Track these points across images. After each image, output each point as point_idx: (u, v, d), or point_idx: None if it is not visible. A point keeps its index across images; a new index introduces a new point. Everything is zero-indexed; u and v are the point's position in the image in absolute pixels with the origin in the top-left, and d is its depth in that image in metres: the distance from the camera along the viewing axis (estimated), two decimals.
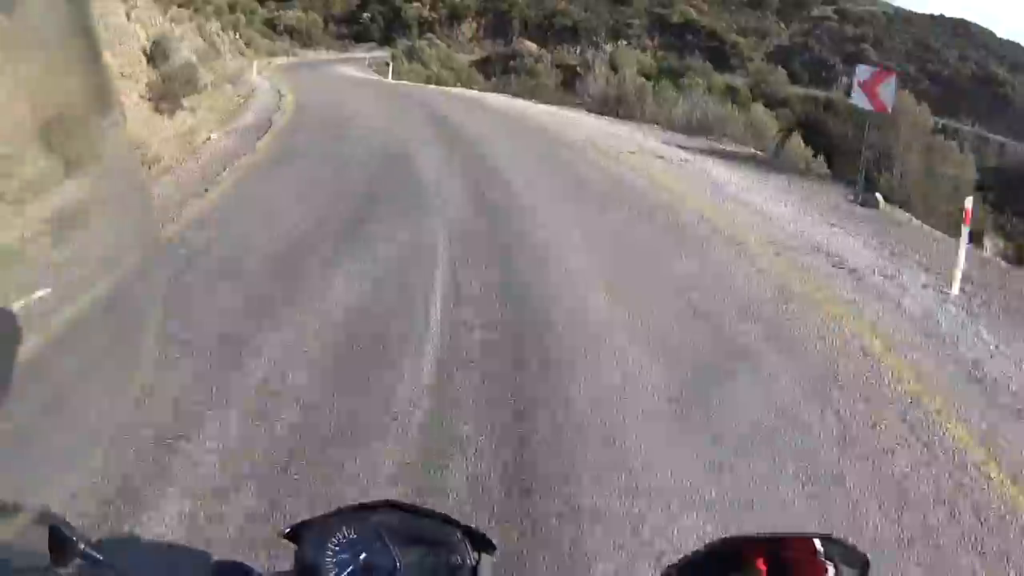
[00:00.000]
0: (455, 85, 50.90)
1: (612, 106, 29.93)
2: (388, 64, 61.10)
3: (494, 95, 36.49)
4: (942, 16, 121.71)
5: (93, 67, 0.66)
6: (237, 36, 69.08)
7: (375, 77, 49.50)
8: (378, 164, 16.16)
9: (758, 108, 27.23)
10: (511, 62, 75.84)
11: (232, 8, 78.42)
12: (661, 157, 20.22)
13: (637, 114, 28.54)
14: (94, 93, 0.66)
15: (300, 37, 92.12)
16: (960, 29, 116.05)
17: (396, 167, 15.89)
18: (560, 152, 20.48)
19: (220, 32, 60.00)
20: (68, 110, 0.61)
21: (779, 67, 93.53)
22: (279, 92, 28.87)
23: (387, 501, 1.50)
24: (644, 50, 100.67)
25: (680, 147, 22.22)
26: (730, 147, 23.24)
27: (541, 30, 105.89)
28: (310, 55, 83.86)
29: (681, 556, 1.43)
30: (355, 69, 58.47)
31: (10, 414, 0.58)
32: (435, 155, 17.94)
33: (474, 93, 36.69)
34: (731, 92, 66.75)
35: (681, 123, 26.63)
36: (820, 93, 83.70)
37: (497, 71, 75.61)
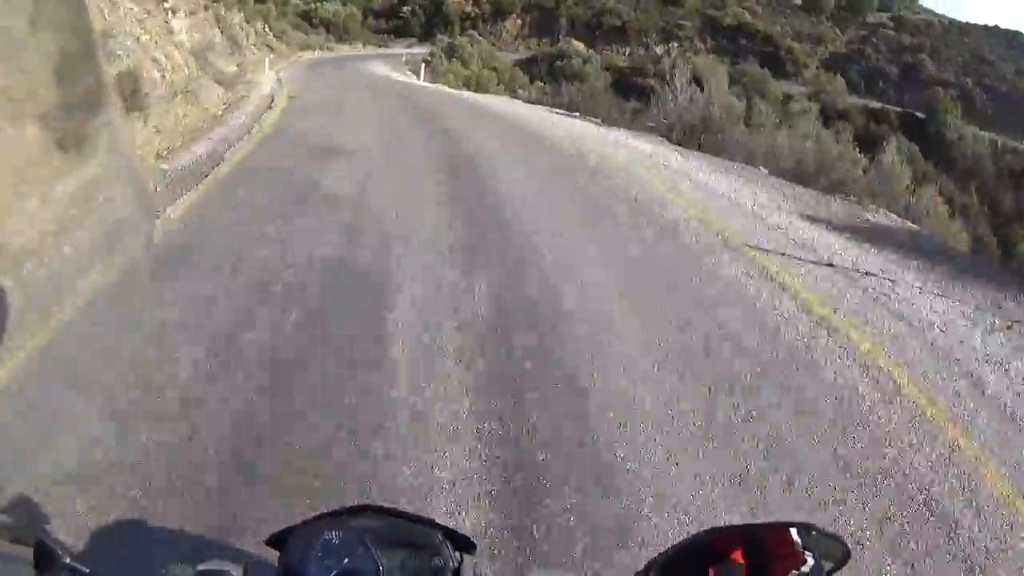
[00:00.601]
0: (496, 87, 45.35)
1: (693, 133, 21.92)
2: (425, 63, 55.75)
3: (544, 111, 28.00)
4: (996, 27, 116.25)
5: (86, 66, 0.50)
6: (266, 28, 64.38)
7: (407, 78, 44.63)
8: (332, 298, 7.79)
9: (890, 152, 20.20)
10: (557, 62, 69.91)
11: None
12: (857, 273, 10.46)
13: (728, 147, 20.73)
14: (87, 92, 0.50)
15: (337, 31, 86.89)
16: (1015, 41, 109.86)
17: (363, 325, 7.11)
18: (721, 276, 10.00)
19: (244, 24, 54.91)
20: (62, 108, 0.50)
21: (837, 75, 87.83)
22: (271, 101, 23.47)
23: (368, 505, 1.47)
24: (696, 53, 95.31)
25: (823, 223, 13.34)
26: (880, 218, 14.50)
27: (589, 29, 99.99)
28: (344, 50, 79.07)
29: (660, 552, 1.44)
30: (388, 67, 53.37)
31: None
32: (452, 284, 8.45)
33: (519, 111, 26.46)
34: (787, 101, 62.42)
35: (785, 161, 19.07)
36: (894, 108, 79.01)
37: (542, 71, 69.93)
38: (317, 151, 15.10)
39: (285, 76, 36.44)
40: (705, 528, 1.45)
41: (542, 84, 60.42)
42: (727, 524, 1.72)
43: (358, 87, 31.88)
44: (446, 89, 36.86)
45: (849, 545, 1.35)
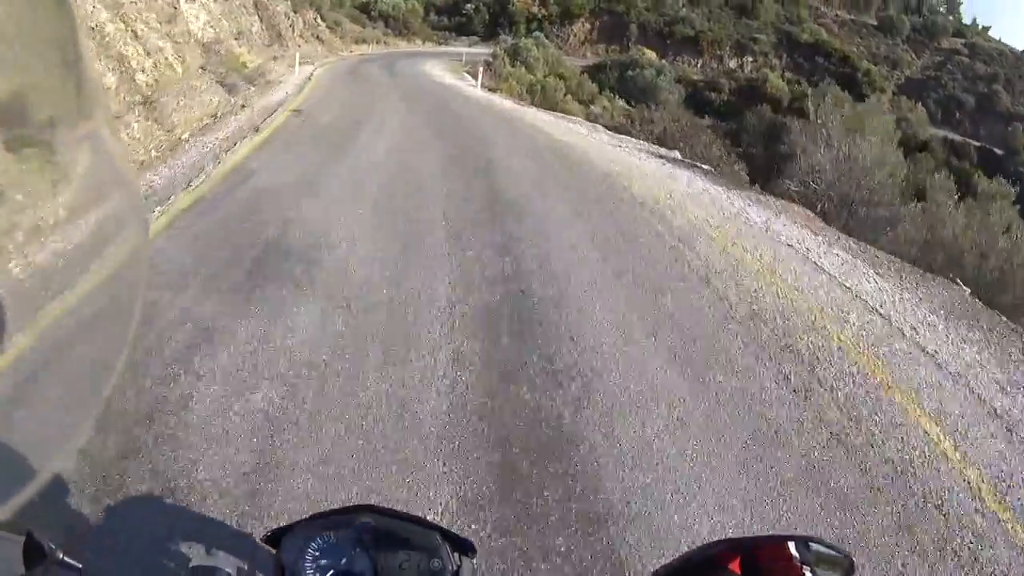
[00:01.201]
0: (564, 97, 39.73)
1: (840, 208, 15.24)
2: (485, 65, 50.37)
3: (635, 149, 20.15)
4: None
5: (77, 69, 0.69)
6: (317, 18, 59.46)
7: (462, 82, 39.43)
8: None
9: None
10: (629, 72, 64.15)
11: None
12: None
13: (899, 239, 14.10)
14: (78, 95, 0.69)
15: (396, 25, 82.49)
16: None
17: None
18: None
19: (291, 12, 49.85)
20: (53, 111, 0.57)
21: (917, 104, 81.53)
22: (267, 118, 17.54)
23: (366, 505, 1.47)
24: (772, 69, 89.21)
25: None
26: None
27: (660, 37, 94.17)
28: (401, 46, 74.60)
29: (660, 566, 1.44)
30: (443, 67, 48.48)
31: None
32: None
33: (605, 151, 19.11)
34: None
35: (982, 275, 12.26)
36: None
37: (611, 79, 64.28)
38: (255, 259, 8.16)
39: (319, 75, 31.79)
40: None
41: (611, 95, 54.93)
42: (725, 537, 1.45)
43: (396, 96, 26.37)
44: (507, 104, 30.62)
45: (853, 559, 1.34)
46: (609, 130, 23.67)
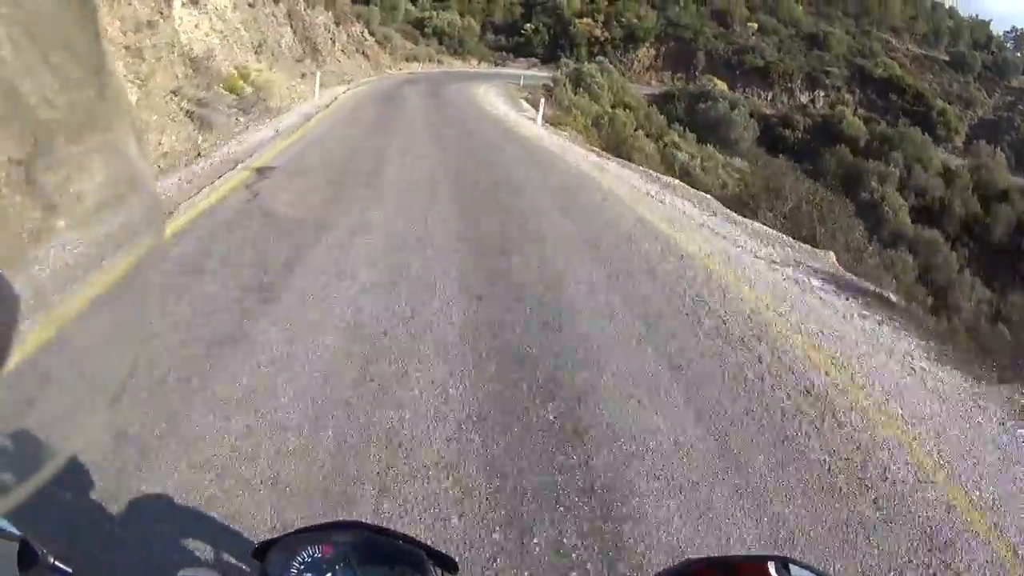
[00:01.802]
0: (634, 133, 34.01)
1: None
2: (546, 91, 44.90)
3: (796, 263, 11.83)
4: None
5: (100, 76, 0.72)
6: (364, 33, 54.55)
7: (518, 114, 32.33)
8: None
9: None
10: (700, 104, 58.17)
11: None
12: None
13: None
14: (100, 102, 0.74)
15: (451, 43, 77.91)
16: None
17: None
18: None
19: (332, 25, 44.75)
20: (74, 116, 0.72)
21: (996, 148, 75.20)
22: (208, 187, 10.65)
23: (352, 522, 1.49)
24: (844, 104, 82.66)
25: None
26: None
27: (728, 67, 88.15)
28: (456, 65, 70.39)
29: None
30: (498, 93, 42.93)
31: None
32: None
33: (759, 269, 10.12)
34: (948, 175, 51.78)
35: None
36: None
37: (678, 110, 58.45)
38: None
39: (345, 100, 27.03)
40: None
41: (681, 128, 49.11)
42: (703, 556, 1.80)
43: (430, 136, 19.94)
44: (577, 153, 21.86)
45: None
46: (727, 205, 16.28)
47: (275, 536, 1.42)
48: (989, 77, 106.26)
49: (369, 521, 1.67)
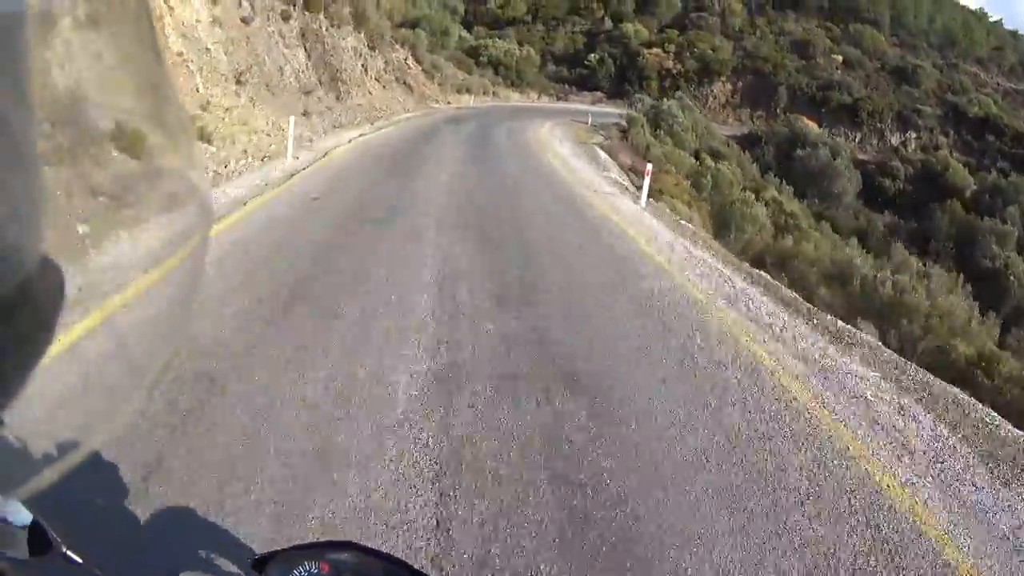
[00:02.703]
0: (740, 193, 26.00)
1: None
2: (621, 133, 37.06)
3: None
4: None
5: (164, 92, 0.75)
6: (408, 60, 47.01)
7: (600, 178, 22.11)
8: None
9: None
10: (797, 150, 49.57)
11: (411, 23, 54.90)
12: None
13: None
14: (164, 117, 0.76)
15: (508, 74, 70.48)
16: None
17: None
18: None
19: (364, 48, 37.08)
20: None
21: None
22: None
23: (347, 542, 1.51)
24: (937, 148, 73.94)
25: None
26: None
27: (813, 104, 79.08)
28: (513, 98, 63.91)
29: None
30: (563, 135, 35.12)
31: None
32: None
33: None
34: None
35: None
36: None
37: (767, 155, 50.07)
38: None
39: (341, 155, 19.36)
40: None
41: (776, 180, 40.70)
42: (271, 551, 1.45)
43: (450, 266, 9.94)
44: (708, 264, 12.76)
45: None
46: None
47: (273, 550, 1.43)
48: None
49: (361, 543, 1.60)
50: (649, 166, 18.62)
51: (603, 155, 27.84)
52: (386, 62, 40.73)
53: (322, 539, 1.80)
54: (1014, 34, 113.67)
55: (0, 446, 0.74)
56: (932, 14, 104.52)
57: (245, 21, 23.81)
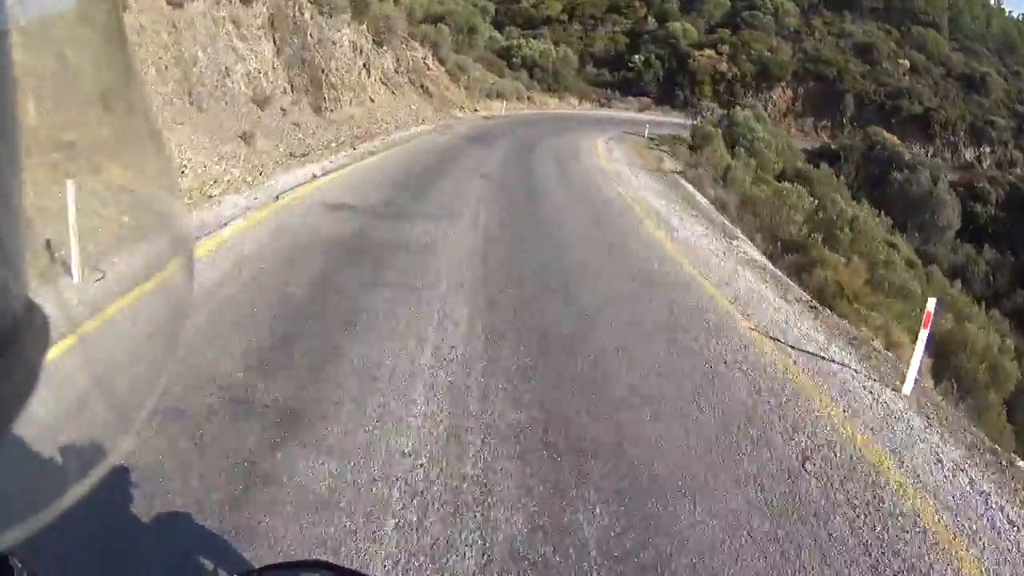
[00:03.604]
0: (885, 254, 18.58)
1: None
2: (691, 151, 29.90)
3: None
4: None
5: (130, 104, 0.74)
6: (428, 61, 39.37)
7: (751, 269, 12.84)
8: None
9: None
10: (894, 173, 41.12)
11: (434, 19, 47.10)
12: None
13: None
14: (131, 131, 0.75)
15: (544, 77, 62.85)
16: None
17: None
18: None
19: (366, 45, 29.35)
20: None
21: None
22: None
23: (321, 561, 1.54)
24: (1012, 164, 68.54)
25: None
26: None
27: (881, 113, 70.96)
28: (551, 105, 56.69)
29: None
30: (629, 158, 27.92)
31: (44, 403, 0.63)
32: None
33: None
34: None
35: None
36: None
37: (852, 175, 41.76)
38: None
39: (229, 252, 10.04)
40: None
41: (877, 213, 32.63)
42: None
43: None
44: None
45: None
46: None
47: (251, 569, 1.42)
48: None
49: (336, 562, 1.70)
50: (929, 309, 8.73)
51: (701, 199, 20.02)
52: (398, 62, 33.06)
53: (295, 559, 1.81)
54: None
55: None
56: (987, 18, 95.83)
57: (174, 2, 16.09)
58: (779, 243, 16.71)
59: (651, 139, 35.78)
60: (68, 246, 6.95)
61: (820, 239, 16.84)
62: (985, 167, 63.71)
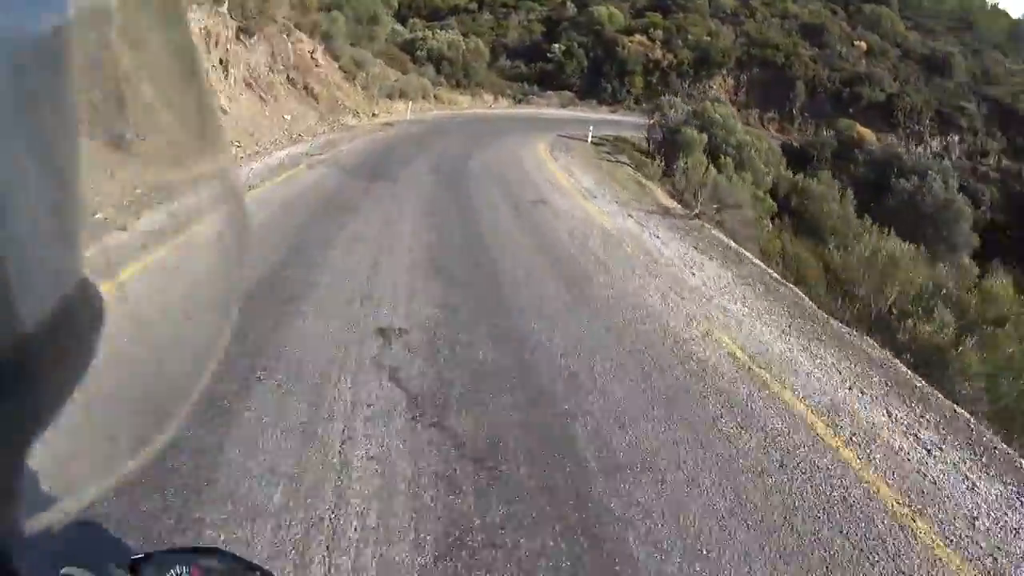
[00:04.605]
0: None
1: None
2: (653, 161, 24.38)
3: None
4: None
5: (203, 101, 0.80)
6: (315, 54, 32.33)
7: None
8: None
9: None
10: (898, 180, 35.26)
11: (327, 7, 40.34)
12: None
13: None
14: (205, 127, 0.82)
15: (454, 71, 57.96)
16: None
17: None
18: None
19: (230, 31, 22.02)
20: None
21: None
22: None
23: (215, 548, 1.53)
24: (985, 154, 66.59)
25: None
26: None
27: (837, 102, 67.40)
28: (463, 103, 51.32)
29: None
30: (597, 182, 22.08)
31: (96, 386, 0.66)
32: None
33: None
34: None
35: None
36: None
37: (826, 172, 36.07)
38: None
39: None
40: None
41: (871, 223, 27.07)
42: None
43: None
44: None
45: None
46: None
47: (148, 552, 1.41)
48: None
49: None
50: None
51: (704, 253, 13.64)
52: (273, 55, 26.11)
53: (189, 546, 1.79)
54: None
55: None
56: None
57: None
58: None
59: (597, 145, 31.43)
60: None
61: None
62: (955, 158, 59.49)
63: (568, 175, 22.08)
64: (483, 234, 13.71)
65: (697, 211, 18.56)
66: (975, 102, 70.86)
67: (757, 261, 14.87)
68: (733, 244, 15.86)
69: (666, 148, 27.46)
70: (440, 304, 9.19)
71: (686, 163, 23.06)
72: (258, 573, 1.45)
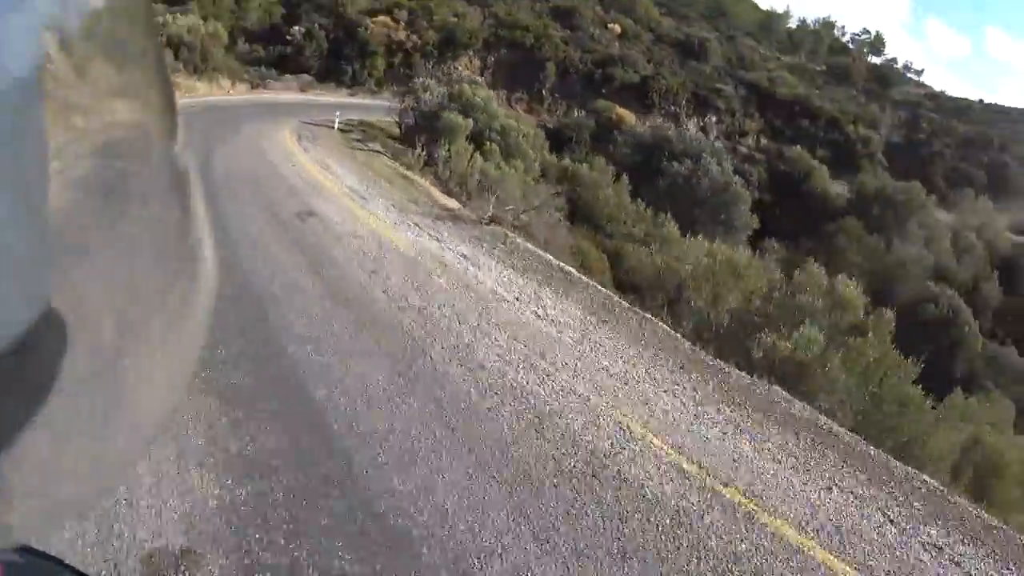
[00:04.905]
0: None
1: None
2: (413, 156, 21.77)
3: None
4: None
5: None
6: None
7: None
8: None
9: None
10: (671, 163, 34.34)
11: None
12: None
13: None
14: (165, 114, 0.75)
15: (192, 57, 53.12)
16: None
17: None
18: None
19: None
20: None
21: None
22: None
23: (24, 546, 1.46)
24: (744, 133, 71.57)
25: None
26: None
27: (589, 83, 68.17)
28: (200, 90, 47.16)
29: None
30: (361, 180, 19.53)
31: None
32: None
33: None
34: None
35: None
36: None
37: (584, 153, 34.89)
38: None
39: None
40: None
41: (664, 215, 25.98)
42: None
43: None
44: None
45: None
46: None
47: None
48: (874, 89, 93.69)
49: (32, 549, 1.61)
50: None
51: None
52: None
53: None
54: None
55: None
56: None
57: None
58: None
59: (344, 132, 29.55)
60: None
61: None
62: (713, 138, 60.80)
63: (324, 170, 19.80)
64: (248, 282, 9.64)
65: (491, 214, 16.20)
66: (732, 85, 74.14)
67: (586, 279, 13.10)
68: (552, 259, 14.03)
69: (423, 134, 24.87)
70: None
71: (449, 151, 20.75)
72: (68, 572, 1.40)
